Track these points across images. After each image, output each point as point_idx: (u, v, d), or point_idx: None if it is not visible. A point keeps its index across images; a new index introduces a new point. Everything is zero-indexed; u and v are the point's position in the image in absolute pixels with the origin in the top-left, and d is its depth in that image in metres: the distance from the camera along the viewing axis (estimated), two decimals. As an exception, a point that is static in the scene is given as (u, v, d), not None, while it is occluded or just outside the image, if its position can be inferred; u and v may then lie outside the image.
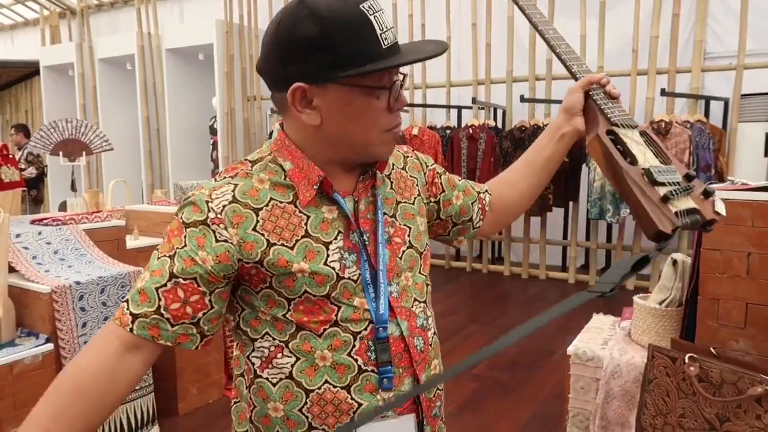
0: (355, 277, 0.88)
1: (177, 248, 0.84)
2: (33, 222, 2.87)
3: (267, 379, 0.89)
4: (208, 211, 0.84)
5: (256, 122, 7.38)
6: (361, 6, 0.81)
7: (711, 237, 1.61)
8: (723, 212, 0.88)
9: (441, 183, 1.08)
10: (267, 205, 0.86)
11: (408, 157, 1.05)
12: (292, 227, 0.87)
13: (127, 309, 0.84)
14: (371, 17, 0.81)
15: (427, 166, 1.07)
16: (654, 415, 1.45)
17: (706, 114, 4.91)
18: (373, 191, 0.94)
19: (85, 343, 2.38)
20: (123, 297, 2.53)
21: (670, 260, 1.90)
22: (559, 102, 5.47)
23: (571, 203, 5.56)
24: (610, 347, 1.97)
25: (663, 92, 4.86)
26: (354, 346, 0.88)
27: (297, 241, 0.86)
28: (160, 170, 8.00)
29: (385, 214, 0.94)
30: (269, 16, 7.16)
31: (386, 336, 0.90)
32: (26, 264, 2.47)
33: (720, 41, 5.15)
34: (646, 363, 1.45)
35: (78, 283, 2.38)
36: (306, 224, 0.88)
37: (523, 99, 5.52)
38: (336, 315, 0.88)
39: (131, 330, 0.83)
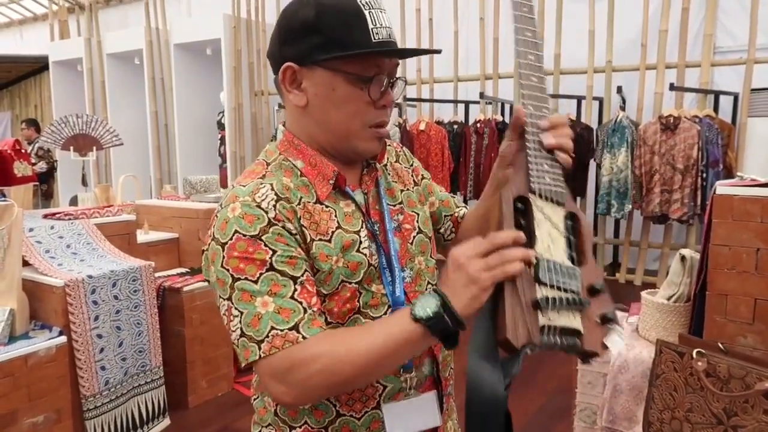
0: (376, 264, 0.92)
1: (269, 260, 0.82)
2: (45, 216, 2.90)
3: None
4: (265, 212, 0.83)
5: (263, 117, 7.40)
6: (359, 0, 0.85)
7: (720, 233, 1.61)
8: (615, 348, 0.74)
9: (420, 184, 1.10)
10: (299, 203, 0.88)
11: (399, 152, 1.09)
12: (324, 222, 0.89)
13: (282, 330, 0.79)
14: (366, 11, 0.85)
15: (411, 165, 1.10)
16: (661, 409, 1.46)
17: (716, 109, 4.88)
18: (377, 183, 0.98)
19: (98, 336, 2.41)
20: (134, 290, 2.56)
21: (679, 256, 1.91)
22: (566, 97, 5.46)
23: (578, 198, 5.55)
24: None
25: (672, 87, 4.83)
26: None
27: (332, 233, 0.89)
28: (168, 165, 8.03)
29: (390, 204, 0.98)
30: (276, 11, 7.16)
31: None
32: (39, 258, 2.51)
33: (730, 35, 5.11)
34: (654, 358, 1.46)
35: (90, 276, 2.41)
36: (336, 217, 0.90)
37: (530, 94, 5.50)
38: (358, 301, 0.90)
39: (304, 337, 0.80)
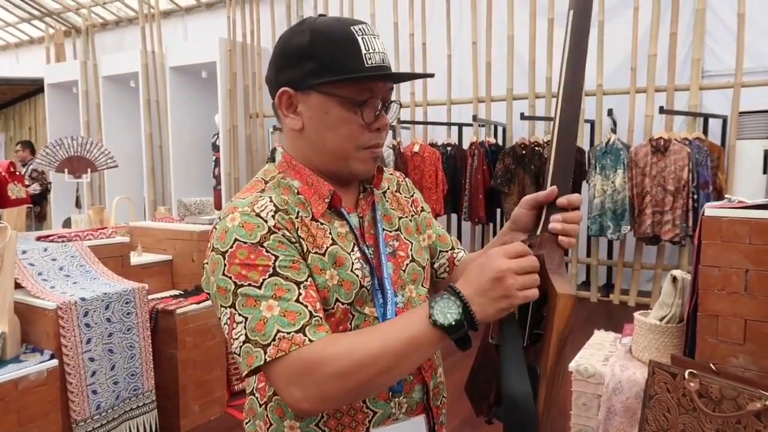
0: (368, 286, 0.93)
1: (272, 265, 0.82)
2: (39, 239, 2.90)
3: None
4: (265, 221, 0.85)
5: (258, 139, 7.44)
6: (352, 27, 0.88)
7: (709, 254, 1.63)
8: None
9: (419, 215, 1.11)
10: (297, 216, 0.90)
11: (400, 181, 1.11)
12: (320, 237, 0.90)
13: (288, 333, 0.79)
14: (359, 37, 0.88)
15: (412, 195, 1.11)
16: (655, 430, 1.47)
17: (705, 131, 4.95)
18: (373, 207, 1.00)
19: (90, 359, 2.39)
20: (127, 313, 2.55)
21: (670, 277, 1.92)
22: (558, 119, 5.51)
23: (571, 220, 5.58)
24: (612, 363, 1.98)
25: (662, 110, 4.91)
26: None
27: (327, 248, 0.90)
28: (162, 186, 8.04)
29: (385, 230, 0.99)
30: (272, 35, 7.25)
31: None
32: (32, 280, 2.50)
33: (718, 59, 5.22)
34: (647, 379, 1.46)
35: (83, 299, 2.40)
36: (330, 234, 0.92)
37: (523, 116, 5.57)
38: (350, 324, 0.91)
39: (310, 340, 0.79)
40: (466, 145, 5.92)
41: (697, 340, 1.68)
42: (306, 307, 0.82)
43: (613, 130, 5.26)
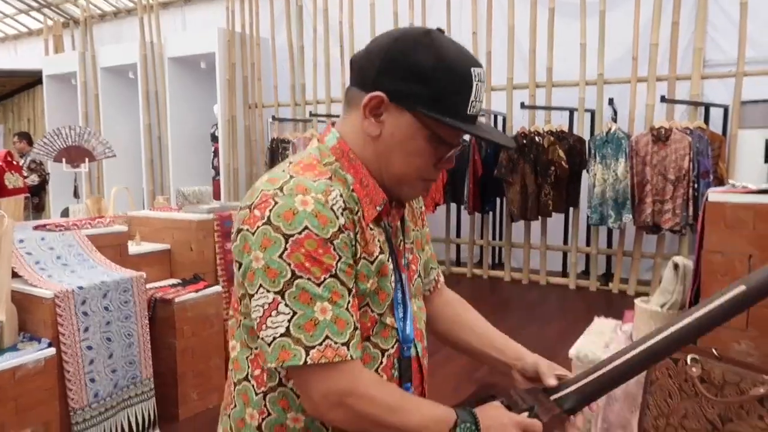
0: (393, 297, 0.92)
1: (335, 264, 0.81)
2: (36, 228, 2.88)
3: (292, 389, 0.87)
4: (337, 218, 0.82)
5: (257, 130, 7.41)
6: (472, 69, 0.84)
7: (713, 239, 1.62)
8: None
9: (423, 229, 1.10)
10: (356, 214, 0.86)
11: None
12: (371, 243, 0.88)
13: (335, 343, 0.80)
14: (474, 83, 0.84)
15: (421, 207, 1.10)
16: (656, 416, 1.45)
17: (706, 120, 4.92)
18: (402, 219, 0.98)
19: (88, 348, 2.38)
20: (125, 301, 2.54)
21: (672, 263, 1.91)
22: (559, 109, 5.50)
23: (571, 209, 5.57)
24: (612, 350, 1.97)
25: (663, 99, 4.88)
26: (381, 362, 0.91)
27: (377, 256, 0.88)
28: (161, 177, 8.02)
29: (405, 242, 0.98)
30: (270, 25, 7.21)
31: (410, 355, 0.94)
32: (29, 269, 2.48)
33: (719, 49, 5.18)
34: (648, 364, 1.45)
35: (81, 287, 2.38)
36: (378, 241, 0.89)
37: (523, 106, 5.55)
38: (371, 331, 0.90)
39: (352, 357, 0.81)
40: (466, 135, 5.89)
41: (699, 325, 1.67)
42: (352, 317, 0.82)
43: (614, 120, 5.23)
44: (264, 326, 0.80)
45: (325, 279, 0.79)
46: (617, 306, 4.30)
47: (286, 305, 0.79)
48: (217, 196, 6.77)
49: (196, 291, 3.17)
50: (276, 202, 0.80)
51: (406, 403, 0.85)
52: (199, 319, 3.14)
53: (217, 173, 7.46)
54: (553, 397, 0.92)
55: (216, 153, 7.48)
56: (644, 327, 1.92)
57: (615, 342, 2.04)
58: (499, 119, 6.04)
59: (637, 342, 0.89)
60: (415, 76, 0.83)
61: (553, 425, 0.89)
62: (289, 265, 0.78)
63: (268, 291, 0.79)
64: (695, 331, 0.85)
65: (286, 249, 0.78)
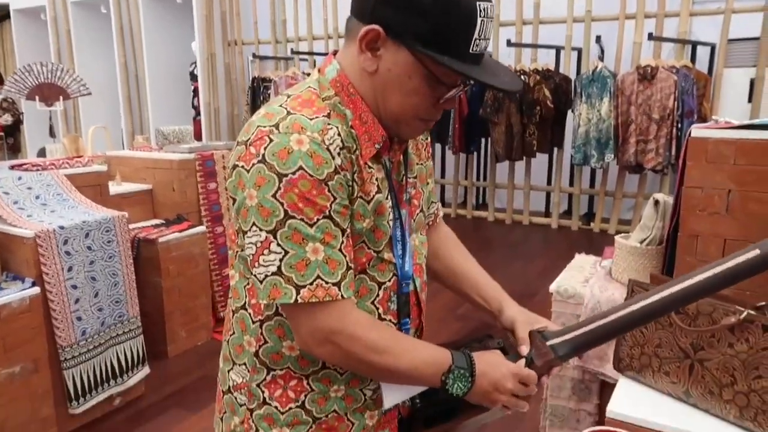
0: (391, 234, 0.91)
1: (329, 205, 0.80)
2: (12, 167, 2.82)
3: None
4: (333, 158, 0.80)
5: (237, 68, 7.21)
6: (478, 2, 0.78)
7: (693, 175, 1.63)
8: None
9: (427, 162, 1.08)
10: (353, 153, 0.84)
11: None
12: (368, 182, 0.86)
13: (326, 283, 0.80)
14: (479, 19, 0.78)
15: (426, 138, 1.07)
16: (631, 346, 1.51)
17: (693, 59, 4.89)
18: (403, 154, 0.96)
19: (72, 287, 2.38)
20: (108, 241, 2.52)
21: (652, 200, 1.93)
22: (545, 47, 5.41)
23: (555, 149, 5.58)
24: (591, 285, 2.02)
25: (650, 37, 4.82)
26: (378, 295, 0.91)
27: (373, 196, 0.87)
28: (140, 116, 7.83)
29: (409, 177, 0.97)
30: (249, -44, 6.90)
31: (408, 291, 0.95)
32: (7, 209, 2.44)
33: (709, -16, 5.09)
34: (626, 297, 1.49)
35: (62, 227, 2.36)
36: (375, 180, 0.88)
37: (509, 43, 5.44)
38: (368, 264, 0.90)
39: (343, 296, 0.81)
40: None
41: (676, 260, 1.71)
42: (345, 257, 0.82)
43: (601, 58, 5.17)
44: (257, 263, 0.81)
45: (318, 220, 0.79)
46: (598, 244, 4.38)
47: (278, 245, 0.79)
48: (198, 136, 6.65)
49: (180, 231, 3.16)
50: (271, 140, 0.79)
51: (396, 344, 0.86)
52: (184, 259, 3.14)
53: (198, 113, 7.30)
54: (549, 343, 0.93)
55: (196, 92, 7.30)
56: (623, 263, 1.97)
57: (595, 277, 2.09)
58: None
59: (636, 298, 0.87)
60: (415, 7, 0.78)
61: (544, 370, 0.92)
62: (282, 204, 0.78)
63: (261, 229, 0.79)
64: (701, 293, 0.83)
65: (279, 188, 0.77)
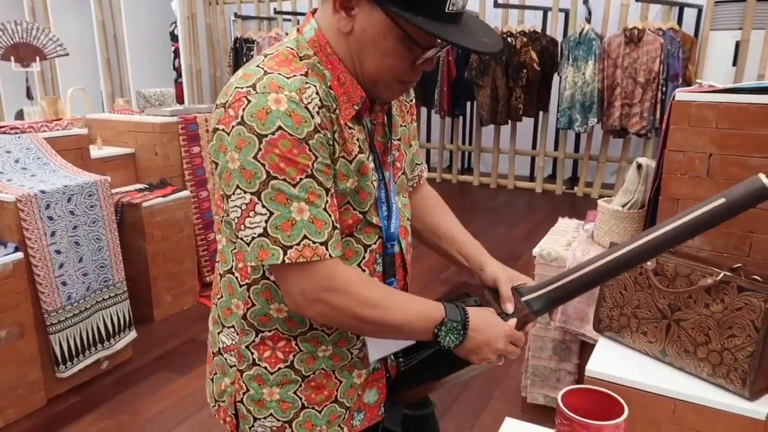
0: (376, 195, 0.91)
1: (311, 164, 0.79)
2: (-11, 130, 2.75)
3: (275, 282, 0.89)
4: (312, 117, 0.79)
5: (219, 28, 7.04)
6: None
7: (676, 139, 1.64)
8: None
9: (411, 124, 1.07)
10: (333, 112, 0.83)
11: None
12: (350, 142, 0.85)
13: (314, 243, 0.80)
14: None
15: (411, 100, 1.06)
16: (611, 307, 1.54)
17: (679, 22, 4.86)
18: (387, 115, 0.95)
19: (56, 252, 2.37)
20: (91, 205, 2.50)
21: (635, 164, 1.95)
22: (532, 8, 5.34)
23: (541, 113, 5.57)
24: (574, 248, 2.05)
25: (638, -2, 4.77)
26: (364, 257, 0.92)
27: (355, 155, 0.86)
28: (119, 78, 7.65)
29: (393, 138, 0.96)
30: None
31: (393, 252, 0.95)
32: (-14, 173, 2.40)
33: (698, -56, 5.02)
34: (607, 260, 1.52)
35: (43, 192, 2.33)
36: (357, 140, 0.87)
37: (497, 4, 5.37)
38: (355, 227, 0.90)
39: (330, 256, 0.81)
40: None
41: (656, 222, 1.74)
42: (330, 216, 0.81)
43: (588, 20, 5.12)
44: (242, 226, 0.80)
45: (301, 179, 0.78)
46: (581, 208, 4.43)
47: (263, 206, 0.78)
48: (180, 99, 6.53)
49: (164, 196, 3.13)
50: (249, 101, 0.78)
51: (388, 298, 0.86)
52: (168, 224, 3.13)
53: (179, 75, 7.15)
54: (523, 299, 0.95)
55: (177, 53, 7.13)
56: (605, 226, 2.00)
57: (577, 241, 2.12)
58: (472, 18, 5.85)
59: (609, 251, 0.89)
60: None
61: (519, 326, 0.94)
62: (264, 165, 0.77)
63: (245, 192, 0.79)
64: (670, 241, 0.84)
65: (260, 150, 0.77)
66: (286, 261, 0.79)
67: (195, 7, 6.89)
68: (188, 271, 3.29)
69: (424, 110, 6.21)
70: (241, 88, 0.79)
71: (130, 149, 3.45)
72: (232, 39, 6.64)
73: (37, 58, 3.90)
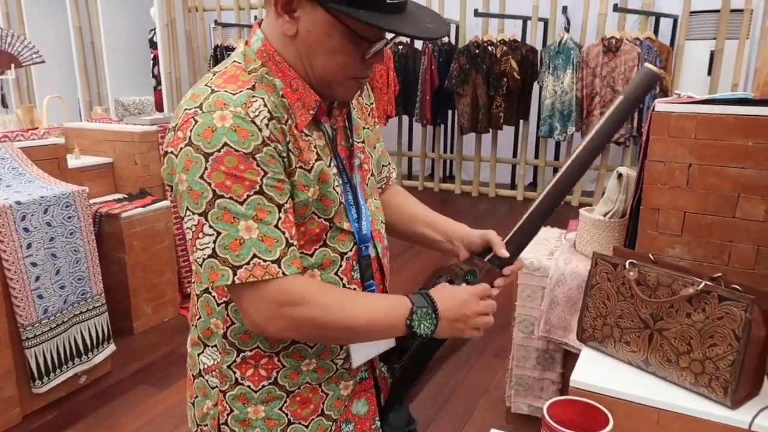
0: (344, 201, 0.90)
1: (259, 180, 0.77)
2: (-38, 140, 2.69)
3: None
4: (260, 130, 0.78)
5: (199, 35, 6.99)
6: None
7: (656, 150, 1.67)
8: None
9: (375, 126, 1.07)
10: (286, 124, 0.82)
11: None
12: (306, 150, 0.84)
13: (264, 261, 0.78)
14: None
15: (371, 103, 1.06)
16: (594, 317, 1.55)
17: (656, 31, 4.95)
18: (347, 118, 0.94)
19: (32, 264, 2.31)
20: (68, 216, 2.45)
21: (616, 173, 1.97)
22: (512, 17, 5.39)
23: (521, 121, 5.62)
24: (556, 257, 2.06)
25: (616, 8, 4.85)
26: (340, 266, 0.91)
27: (313, 164, 0.85)
28: (97, 86, 7.55)
29: (356, 141, 0.95)
30: None
31: (368, 254, 0.94)
32: (-41, 184, 2.34)
33: (673, -44, 5.12)
34: (590, 269, 1.53)
35: (18, 203, 2.28)
36: (315, 147, 0.86)
37: (477, 13, 5.41)
38: (326, 235, 0.89)
39: (284, 273, 0.79)
40: (418, 45, 5.75)
41: (638, 232, 1.76)
42: (283, 233, 0.79)
43: (567, 29, 5.19)
44: (194, 248, 0.79)
45: (248, 196, 0.77)
46: (562, 217, 4.45)
47: (210, 226, 0.77)
48: (159, 107, 6.46)
49: (144, 206, 3.09)
50: (196, 121, 0.77)
51: (350, 301, 0.85)
52: (148, 234, 3.08)
53: (159, 83, 7.07)
54: (486, 258, 0.98)
55: (156, 61, 7.05)
56: (587, 235, 2.01)
57: (559, 250, 2.13)
58: (452, 27, 5.88)
59: (547, 185, 0.96)
60: None
61: (488, 280, 0.95)
62: (210, 184, 0.76)
63: (193, 213, 0.78)
64: (597, 144, 0.92)
65: (206, 168, 0.76)
66: (236, 281, 0.78)
67: (174, 13, 6.84)
68: (168, 282, 3.25)
69: (405, 119, 6.22)
70: (189, 109, 0.79)
71: (108, 159, 3.40)
72: (212, 46, 6.60)
73: (12, 66, 3.82)
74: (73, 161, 3.19)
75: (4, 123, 3.56)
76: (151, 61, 7.18)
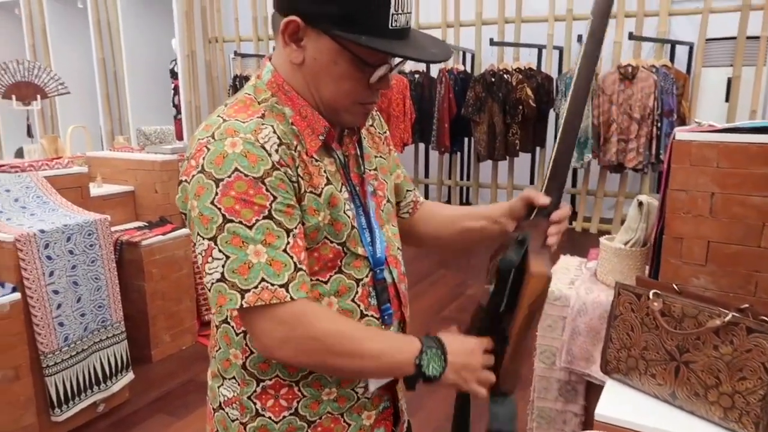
0: (357, 226, 0.91)
1: (269, 206, 0.79)
2: (-10, 169, 2.75)
3: None
4: (269, 155, 0.80)
5: (219, 66, 7.14)
6: None
7: (678, 178, 1.65)
8: None
9: (390, 154, 1.09)
10: (296, 151, 0.84)
11: (373, 114, 1.06)
12: (316, 176, 0.86)
13: (272, 285, 0.78)
14: None
15: (384, 132, 1.08)
16: (618, 348, 1.52)
17: (672, 59, 4.95)
18: (358, 146, 0.96)
19: (54, 292, 2.34)
20: (90, 244, 2.48)
21: (636, 202, 1.96)
22: (527, 46, 5.44)
23: (538, 148, 5.62)
24: (577, 287, 2.03)
25: (631, 36, 4.87)
26: (357, 292, 0.91)
27: (323, 188, 0.86)
28: (119, 116, 7.72)
29: (367, 169, 0.97)
30: (229, -48, 6.82)
31: (383, 278, 0.94)
32: (-14, 213, 2.39)
33: (688, -15, 5.15)
34: (613, 300, 1.51)
35: (42, 231, 2.32)
36: (325, 172, 0.88)
37: (492, 42, 5.47)
38: (341, 262, 0.89)
39: (292, 298, 0.80)
40: (434, 73, 5.81)
41: (661, 262, 1.73)
42: (292, 258, 0.80)
43: (582, 58, 5.21)
44: (204, 273, 0.81)
45: (257, 221, 0.78)
46: (580, 244, 4.42)
47: (219, 251, 0.78)
48: (179, 135, 6.58)
49: (164, 234, 3.12)
50: (209, 149, 0.79)
51: (359, 332, 0.85)
52: (167, 262, 3.11)
53: (179, 112, 7.21)
54: (533, 216, 1.00)
55: (176, 90, 7.21)
56: (608, 264, 1.99)
57: (580, 279, 2.11)
58: (468, 56, 5.95)
59: (560, 128, 1.00)
60: None
61: (540, 232, 0.98)
62: (220, 209, 0.78)
63: (203, 238, 0.80)
64: (591, 73, 0.99)
65: (217, 194, 0.78)
66: (244, 305, 0.78)
67: (195, 45, 7.00)
68: (187, 310, 3.26)
69: (422, 146, 6.25)
70: (202, 138, 0.81)
71: (129, 187, 3.46)
72: (232, 76, 6.73)
73: (38, 96, 3.93)
74: (96, 189, 3.25)
75: (29, 152, 3.65)
76: (172, 91, 7.33)
